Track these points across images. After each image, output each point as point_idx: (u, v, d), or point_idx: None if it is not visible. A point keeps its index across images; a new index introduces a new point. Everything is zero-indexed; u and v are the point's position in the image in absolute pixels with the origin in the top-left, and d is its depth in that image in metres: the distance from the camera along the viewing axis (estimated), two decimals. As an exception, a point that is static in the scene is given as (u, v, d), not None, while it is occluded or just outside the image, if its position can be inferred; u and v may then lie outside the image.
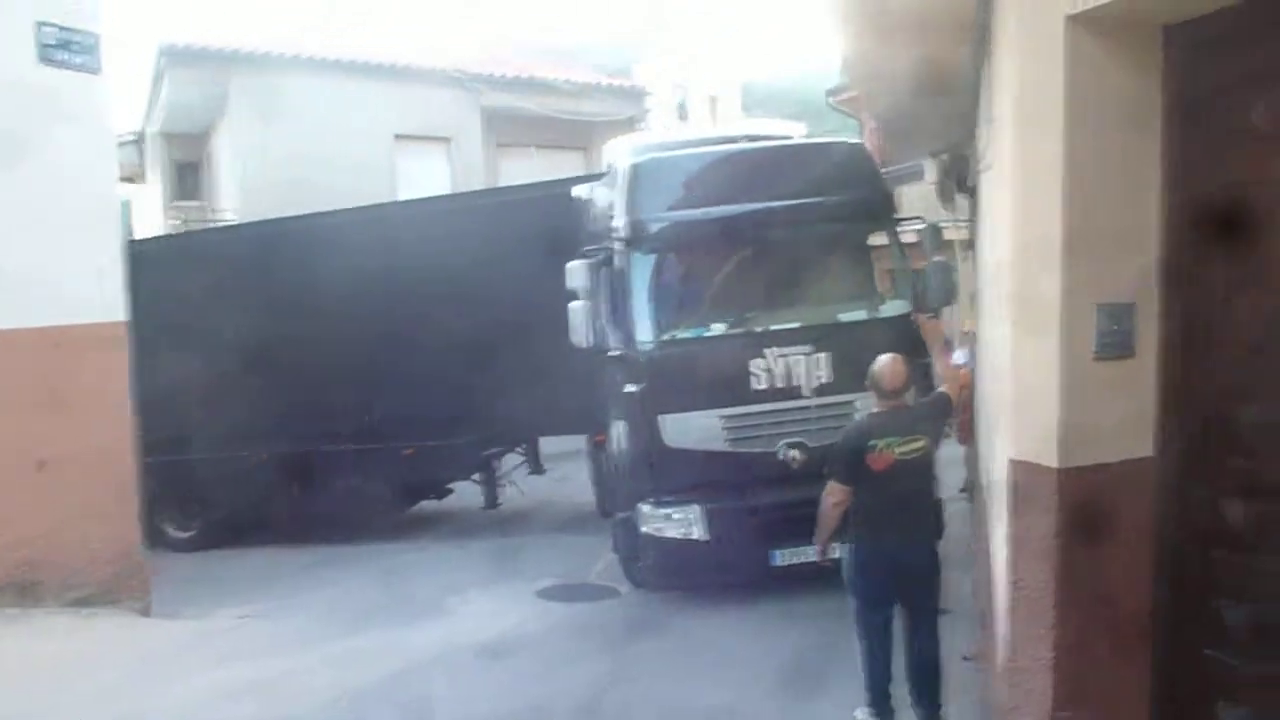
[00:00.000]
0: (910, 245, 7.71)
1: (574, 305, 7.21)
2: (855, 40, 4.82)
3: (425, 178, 16.66)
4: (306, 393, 9.88)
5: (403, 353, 9.59)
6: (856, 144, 8.26)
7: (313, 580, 8.96)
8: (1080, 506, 2.79)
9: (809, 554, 6.59)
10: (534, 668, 6.35)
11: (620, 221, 7.19)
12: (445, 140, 18.10)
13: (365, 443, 10.07)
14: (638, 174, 7.34)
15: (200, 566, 9.67)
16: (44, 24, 7.10)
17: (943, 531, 6.12)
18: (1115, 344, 2.86)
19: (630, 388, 7.07)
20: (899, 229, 7.60)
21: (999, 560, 3.36)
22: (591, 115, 18.84)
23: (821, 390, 6.92)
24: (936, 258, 7.36)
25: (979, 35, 3.97)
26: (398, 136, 17.50)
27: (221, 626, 7.62)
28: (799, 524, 6.52)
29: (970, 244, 7.34)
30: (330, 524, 10.19)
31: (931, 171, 9.51)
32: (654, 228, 7.14)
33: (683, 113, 25.63)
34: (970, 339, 8.03)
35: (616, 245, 7.17)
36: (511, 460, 10.92)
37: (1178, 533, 2.93)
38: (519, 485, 10.80)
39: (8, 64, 6.98)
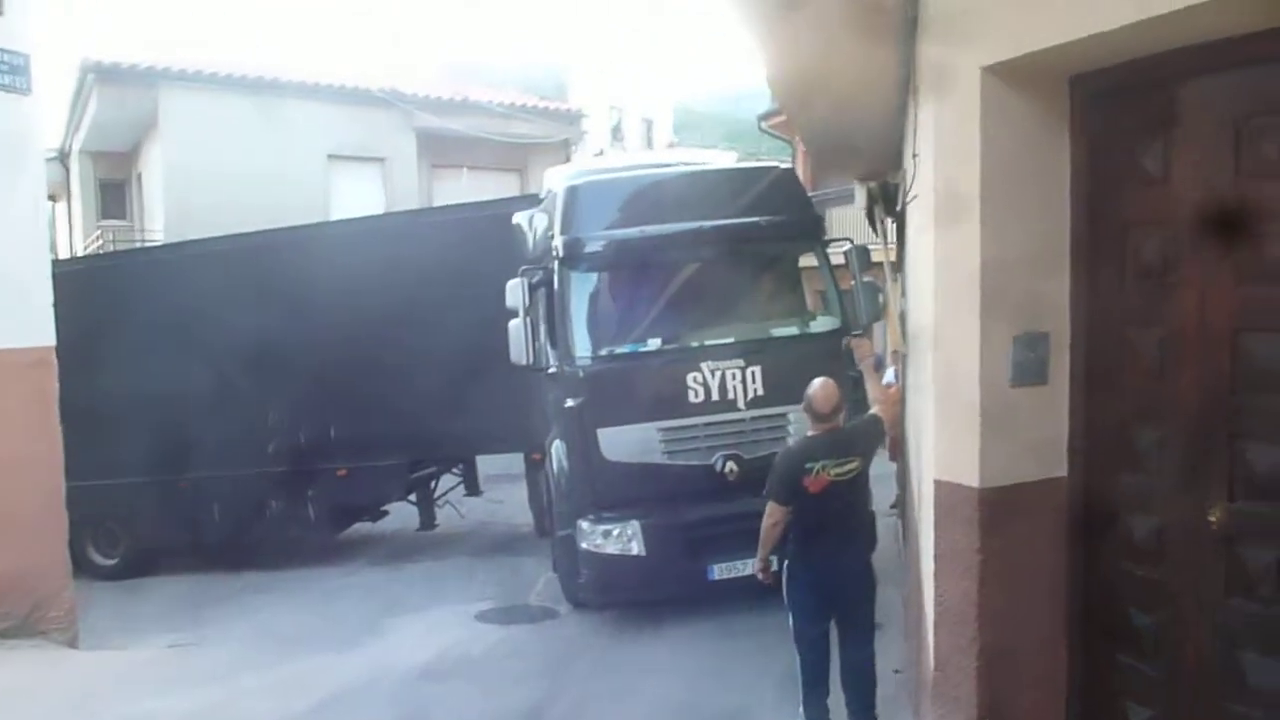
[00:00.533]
0: (839, 266, 7.92)
1: (513, 324, 7.28)
2: (777, 64, 4.95)
3: (359, 198, 16.60)
4: (233, 414, 9.69)
5: (335, 373, 9.44)
6: (786, 168, 8.52)
7: (243, 607, 8.83)
8: (999, 524, 2.97)
9: (745, 568, 6.55)
10: (472, 690, 6.34)
11: (557, 241, 7.29)
12: (379, 160, 18.05)
13: (295, 464, 9.86)
14: (574, 195, 7.50)
15: (126, 594, 9.47)
16: (-30, 44, 7.01)
17: (875, 545, 6.19)
18: (1030, 372, 3.06)
19: (569, 402, 7.15)
20: (827, 250, 7.83)
21: (926, 574, 3.52)
22: (525, 137, 18.96)
23: (755, 403, 7.07)
24: (865, 278, 7.52)
25: (903, 75, 4.17)
26: (331, 156, 17.40)
27: (152, 656, 7.49)
28: (735, 538, 6.61)
29: (898, 266, 7.52)
30: (260, 550, 10.02)
31: (861, 196, 9.74)
32: (590, 247, 7.25)
33: (617, 135, 25.80)
34: (899, 358, 8.21)
35: (554, 264, 7.28)
36: (448, 482, 10.80)
37: (1090, 547, 3.13)
38: (456, 507, 10.70)
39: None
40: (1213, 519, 2.74)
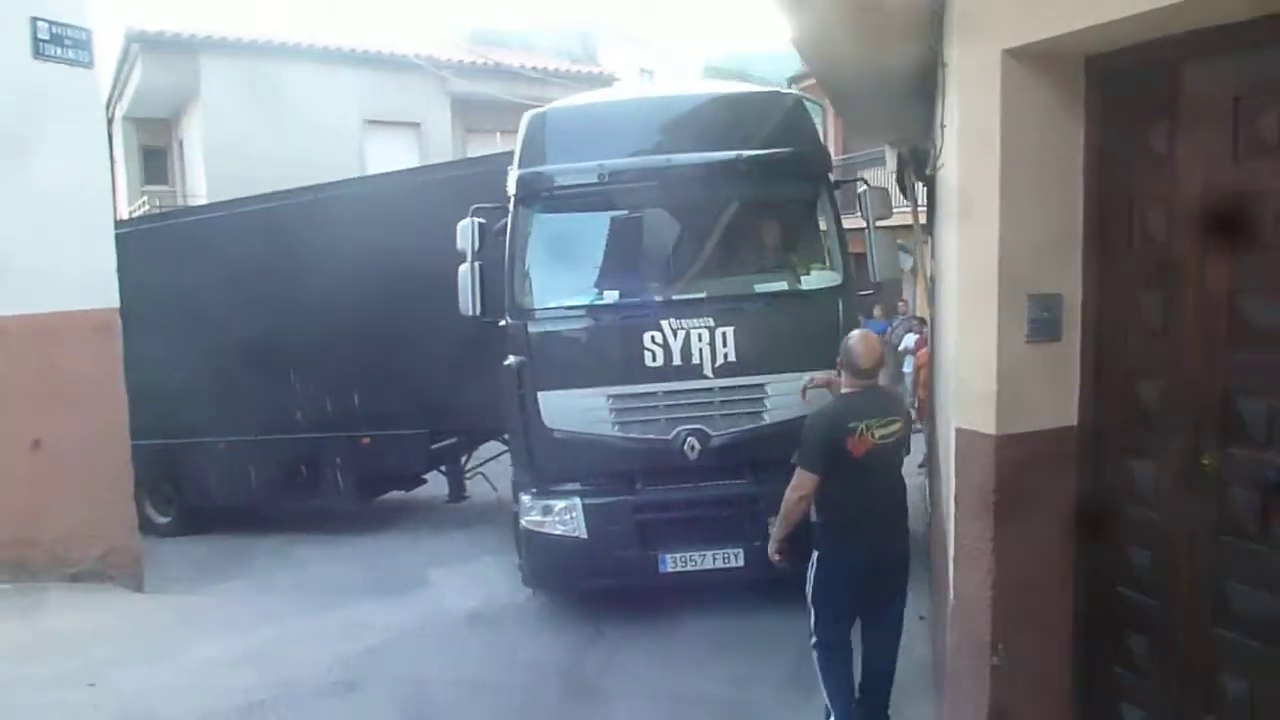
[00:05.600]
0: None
1: (461, 269, 6.59)
2: (804, 28, 4.92)
3: (395, 163, 16.69)
4: (265, 380, 9.81)
5: (360, 341, 9.38)
6: (791, 94, 7.31)
7: (290, 561, 9.10)
8: (1013, 467, 3.27)
9: (705, 560, 6.08)
10: (518, 634, 6.58)
11: (512, 175, 6.51)
12: (415, 125, 18.35)
13: (322, 431, 9.94)
14: (535, 124, 6.66)
15: (179, 549, 9.81)
16: (38, 19, 7.29)
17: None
18: (1044, 329, 3.33)
19: (510, 360, 6.38)
20: (834, 193, 6.66)
21: (949, 517, 3.82)
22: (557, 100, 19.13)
23: (726, 370, 6.10)
24: (878, 223, 6.60)
25: (931, 51, 4.40)
26: (368, 121, 17.71)
27: (210, 602, 7.89)
28: (694, 526, 6.03)
29: (928, 229, 7.23)
30: (298, 513, 10.23)
31: (892, 160, 9.61)
32: (546, 182, 6.39)
33: (648, 97, 25.74)
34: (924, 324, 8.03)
35: (510, 203, 6.50)
36: (491, 449, 10.48)
37: (1096, 489, 3.43)
38: (488, 478, 10.38)
39: (4, 59, 7.18)
40: (1206, 463, 3.03)
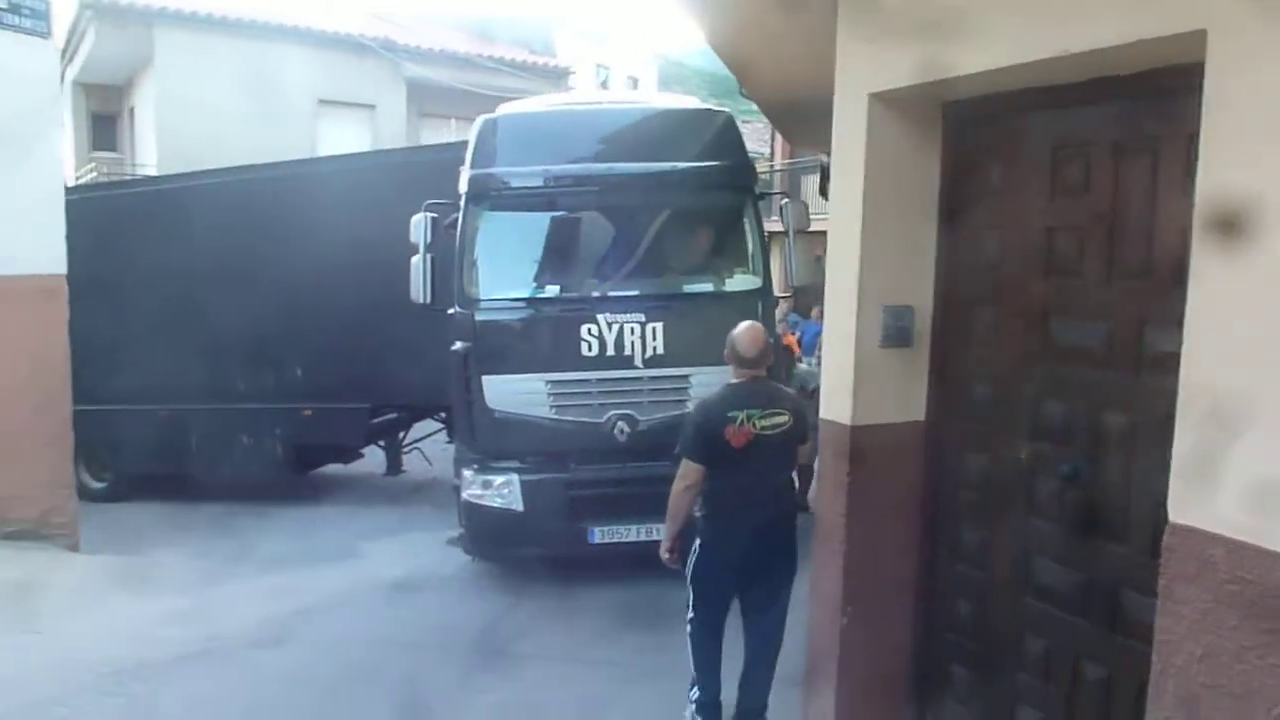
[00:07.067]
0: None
1: (414, 260, 7.08)
2: (715, 30, 5.33)
3: (347, 143, 16.94)
4: (208, 348, 9.93)
5: (302, 314, 9.55)
6: (721, 111, 7.74)
7: (226, 529, 9.21)
8: (864, 454, 3.77)
9: (629, 533, 6.63)
10: (440, 601, 7.00)
11: (464, 176, 7.02)
12: (369, 107, 18.49)
13: (263, 401, 10.16)
14: (488, 129, 7.18)
15: (116, 514, 9.95)
16: (-4, -11, 7.51)
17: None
18: (896, 337, 3.85)
19: (457, 346, 6.88)
20: (758, 204, 7.30)
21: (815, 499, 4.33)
22: (513, 91, 19.39)
23: (654, 362, 6.70)
24: (795, 231, 7.25)
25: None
26: (321, 101, 17.82)
27: (145, 562, 8.12)
28: (621, 501, 6.56)
29: None
30: (235, 483, 10.23)
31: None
32: (495, 183, 6.95)
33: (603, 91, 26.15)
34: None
35: (462, 200, 7.00)
36: (425, 429, 10.83)
37: (937, 475, 3.97)
38: (425, 454, 10.67)
39: (-39, 28, 7.35)
40: (1022, 456, 3.56)
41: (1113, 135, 3.18)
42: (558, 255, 7.20)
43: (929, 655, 4.07)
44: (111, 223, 10.26)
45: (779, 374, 6.23)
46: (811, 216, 7.62)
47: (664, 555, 4.47)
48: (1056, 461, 3.40)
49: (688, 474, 4.27)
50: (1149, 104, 3.01)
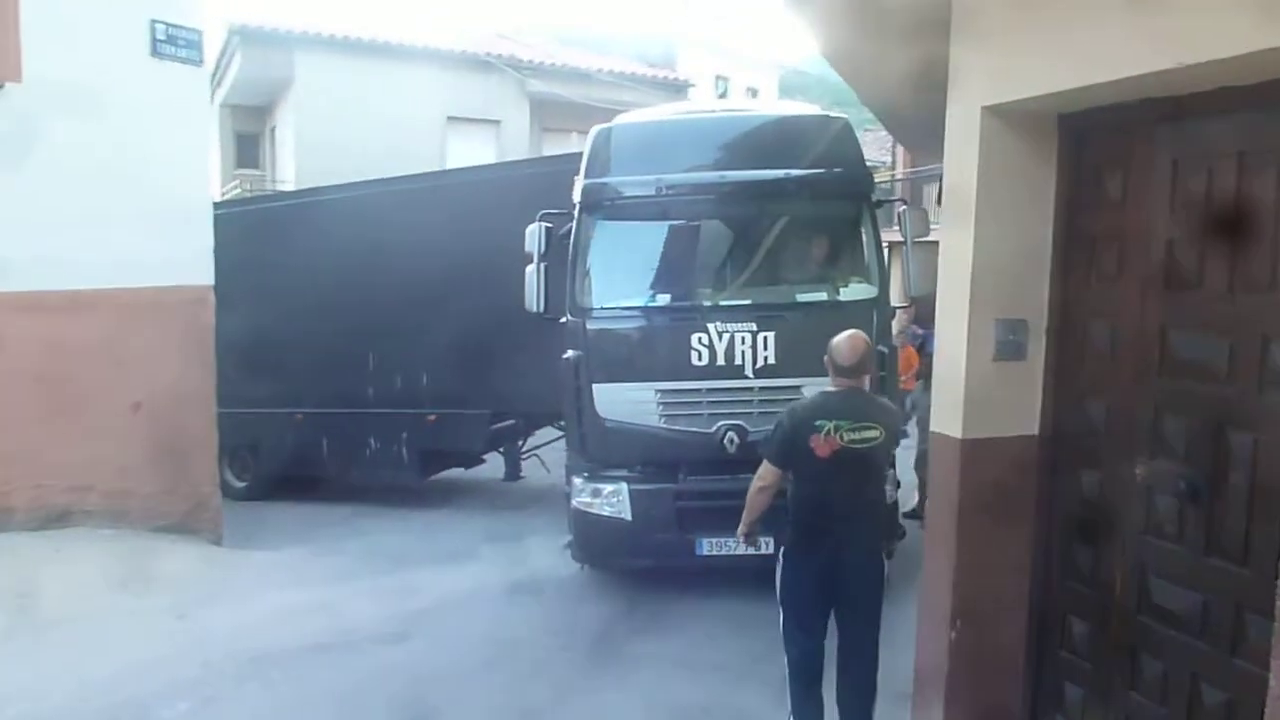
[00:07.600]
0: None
1: (528, 269, 7.16)
2: (829, 40, 5.18)
3: (473, 158, 17.37)
4: (342, 356, 10.43)
5: (429, 323, 9.77)
6: (838, 118, 7.57)
7: (355, 529, 9.80)
8: (976, 466, 3.76)
9: (739, 547, 6.15)
10: (559, 603, 7.19)
11: (579, 186, 7.06)
12: (495, 123, 19.00)
13: (391, 407, 10.48)
14: (603, 138, 7.21)
15: (254, 513, 10.42)
16: (156, 21, 8.07)
17: (895, 537, 5.96)
18: (1010, 350, 3.82)
19: (569, 354, 6.92)
20: (875, 212, 7.12)
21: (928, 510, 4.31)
22: (631, 105, 19.65)
23: (765, 372, 6.60)
24: (914, 240, 7.09)
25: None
26: (450, 118, 18.41)
27: (283, 559, 8.58)
28: (730, 514, 5.85)
29: None
30: (363, 486, 10.80)
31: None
32: (609, 193, 6.95)
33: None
34: None
35: (576, 210, 7.04)
36: (546, 436, 10.81)
37: (1049, 491, 3.91)
38: (543, 461, 10.81)
39: (126, 57, 7.94)
40: (1139, 473, 3.49)
41: (1236, 146, 3.11)
42: (669, 264, 7.22)
43: (1041, 673, 4.01)
44: (253, 236, 10.81)
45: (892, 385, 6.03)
46: (931, 225, 7.39)
47: (740, 539, 4.48)
48: (1174, 479, 3.33)
49: (765, 475, 4.25)
50: (1274, 114, 2.94)
